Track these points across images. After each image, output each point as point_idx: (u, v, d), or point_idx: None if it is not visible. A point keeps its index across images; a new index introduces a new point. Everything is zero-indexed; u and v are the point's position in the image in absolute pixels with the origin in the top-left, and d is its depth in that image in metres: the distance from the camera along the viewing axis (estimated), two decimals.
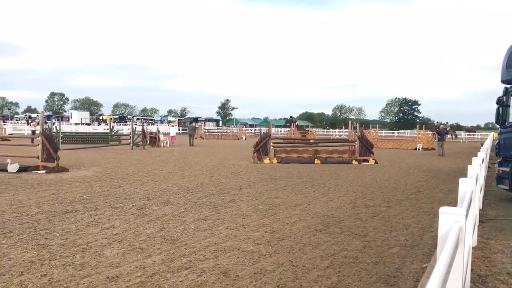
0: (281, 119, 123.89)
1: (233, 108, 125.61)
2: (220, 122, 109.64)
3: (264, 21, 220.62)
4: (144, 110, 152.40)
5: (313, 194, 11.29)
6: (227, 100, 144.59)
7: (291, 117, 63.27)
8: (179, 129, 62.45)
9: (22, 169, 14.62)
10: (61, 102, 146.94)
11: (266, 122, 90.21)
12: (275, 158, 20.05)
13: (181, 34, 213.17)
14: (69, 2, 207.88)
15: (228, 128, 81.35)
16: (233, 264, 5.52)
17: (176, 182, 12.99)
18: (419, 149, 33.70)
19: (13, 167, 14.43)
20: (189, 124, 47.48)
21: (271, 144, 20.42)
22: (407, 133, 74.40)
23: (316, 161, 20.01)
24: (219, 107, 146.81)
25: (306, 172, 16.27)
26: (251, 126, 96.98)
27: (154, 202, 9.65)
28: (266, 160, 19.77)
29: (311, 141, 27.14)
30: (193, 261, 5.59)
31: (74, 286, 4.69)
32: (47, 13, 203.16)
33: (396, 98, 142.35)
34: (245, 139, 50.34)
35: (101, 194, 10.61)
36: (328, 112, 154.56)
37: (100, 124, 75.29)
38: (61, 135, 26.51)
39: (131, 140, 28.59)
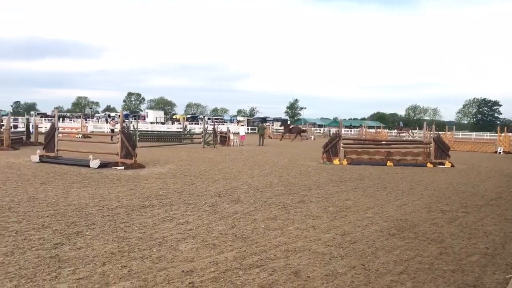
0: (351, 119, 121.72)
1: (301, 108, 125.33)
2: (289, 122, 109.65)
3: (335, 21, 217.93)
4: (214, 110, 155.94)
5: (386, 197, 10.99)
6: (296, 100, 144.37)
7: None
8: (247, 129, 63.23)
9: (103, 165, 15.43)
10: (138, 102, 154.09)
11: (335, 122, 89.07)
12: (345, 159, 19.71)
13: (253, 35, 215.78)
14: (146, 5, 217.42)
15: None
16: (304, 265, 5.51)
17: (246, 181, 13.17)
18: (500, 152, 31.80)
19: (94, 163, 15.31)
20: (259, 124, 48.01)
21: (341, 144, 20.12)
22: (486, 135, 70.52)
23: (389, 163, 19.41)
24: (288, 107, 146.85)
25: (377, 174, 15.87)
26: (320, 126, 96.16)
27: (225, 200, 9.85)
28: (336, 161, 19.50)
29: (383, 142, 26.41)
30: (264, 260, 5.65)
31: (151, 278, 4.90)
32: (127, 16, 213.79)
33: (474, 98, 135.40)
34: (314, 139, 50.02)
35: (176, 190, 10.99)
36: (401, 112, 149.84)
37: (174, 123, 77.95)
38: (138, 133, 27.77)
39: (202, 139, 29.37)
